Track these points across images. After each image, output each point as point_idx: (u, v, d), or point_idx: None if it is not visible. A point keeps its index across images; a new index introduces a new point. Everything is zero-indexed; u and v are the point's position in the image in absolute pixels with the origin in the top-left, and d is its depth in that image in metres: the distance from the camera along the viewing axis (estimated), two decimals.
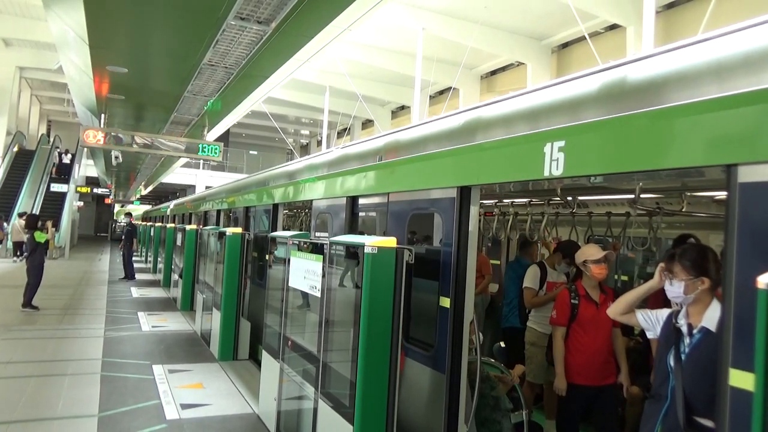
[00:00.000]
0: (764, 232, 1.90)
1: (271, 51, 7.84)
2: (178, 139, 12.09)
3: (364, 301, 3.53)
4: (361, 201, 4.98)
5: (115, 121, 13.44)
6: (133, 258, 17.09)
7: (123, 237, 17.21)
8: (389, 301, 3.59)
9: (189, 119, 12.77)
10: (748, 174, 1.94)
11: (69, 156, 31.96)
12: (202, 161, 30.77)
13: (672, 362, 2.67)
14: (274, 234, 5.71)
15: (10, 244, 21.34)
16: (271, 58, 8.34)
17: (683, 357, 2.64)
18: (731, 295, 2.00)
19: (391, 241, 3.64)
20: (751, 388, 1.83)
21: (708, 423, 2.44)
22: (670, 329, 2.77)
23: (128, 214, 20.56)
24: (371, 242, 3.56)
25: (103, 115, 12.46)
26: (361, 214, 5.04)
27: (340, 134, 31.74)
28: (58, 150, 32.72)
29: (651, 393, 2.87)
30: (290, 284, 4.82)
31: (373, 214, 4.83)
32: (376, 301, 3.55)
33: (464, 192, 3.48)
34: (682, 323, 2.72)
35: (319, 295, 4.15)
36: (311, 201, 6.12)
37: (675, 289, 2.73)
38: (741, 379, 1.91)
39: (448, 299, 3.50)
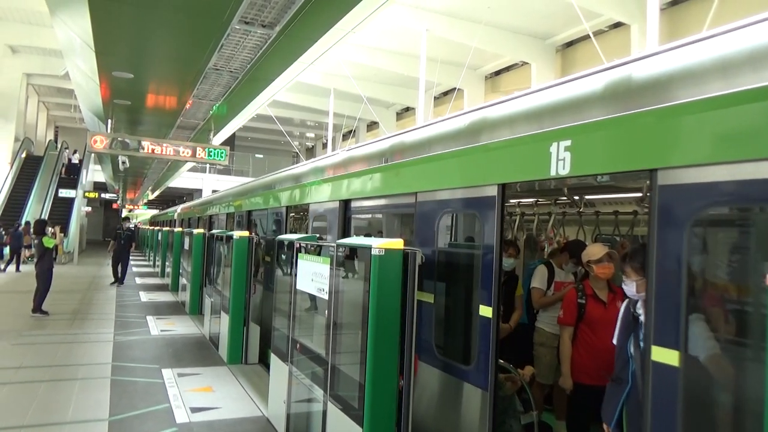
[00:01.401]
0: (679, 228, 2.21)
1: (276, 54, 7.86)
2: (184, 144, 12.14)
3: (371, 303, 3.53)
4: (383, 201, 4.76)
5: (121, 126, 13.51)
6: (130, 262, 16.98)
7: (122, 241, 16.28)
8: (397, 303, 3.59)
9: (195, 124, 12.83)
10: (665, 177, 2.26)
11: (77, 156, 32.31)
12: (208, 165, 30.89)
13: (632, 349, 2.90)
14: (282, 237, 5.73)
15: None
16: (275, 62, 8.36)
17: (641, 343, 2.82)
18: (653, 282, 2.29)
19: (397, 243, 3.65)
20: (667, 362, 2.19)
21: None
22: (629, 318, 3.01)
23: (126, 219, 19.47)
24: (378, 244, 3.56)
25: (109, 121, 12.53)
26: (380, 215, 4.94)
27: (345, 136, 31.78)
28: (67, 150, 33.18)
29: (612, 377, 3.10)
30: (298, 287, 4.83)
31: (396, 215, 4.66)
32: (384, 302, 3.55)
33: (506, 190, 3.23)
34: (640, 313, 2.92)
35: (326, 297, 4.17)
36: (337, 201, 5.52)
37: (629, 288, 2.97)
38: (660, 354, 2.23)
39: (490, 308, 3.22)
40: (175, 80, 9.51)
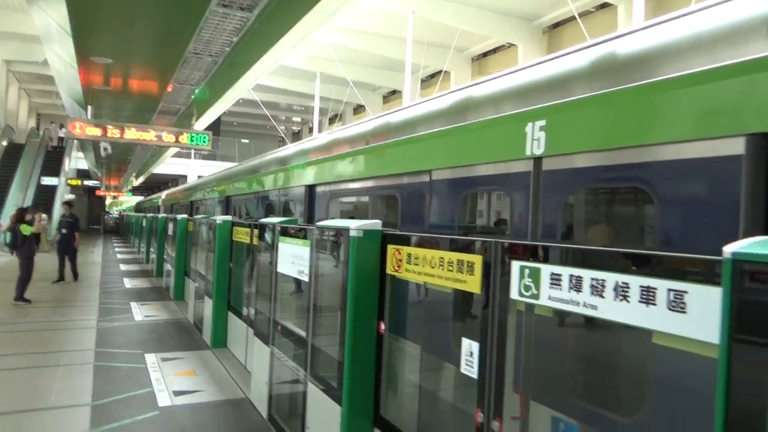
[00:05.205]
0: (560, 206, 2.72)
1: (256, 37, 7.80)
2: (166, 129, 12.03)
3: (350, 284, 3.55)
4: (390, 181, 4.40)
5: (102, 112, 13.36)
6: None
7: (64, 230, 13.53)
8: (375, 284, 3.61)
9: (177, 108, 12.73)
10: (548, 164, 2.70)
11: (64, 130, 31.96)
12: (193, 151, 30.65)
13: None
14: (263, 221, 5.72)
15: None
16: (255, 45, 8.30)
17: None
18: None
19: (375, 224, 3.66)
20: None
21: None
22: None
23: (67, 203, 14.84)
24: (356, 225, 3.57)
25: (89, 107, 12.37)
26: (387, 194, 4.59)
27: (331, 120, 31.64)
28: (53, 124, 32.98)
29: None
30: (279, 270, 4.84)
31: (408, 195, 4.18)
32: (362, 284, 3.57)
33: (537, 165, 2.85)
34: None
35: (306, 279, 4.18)
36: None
37: None
38: None
39: None
40: (155, 64, 9.40)
